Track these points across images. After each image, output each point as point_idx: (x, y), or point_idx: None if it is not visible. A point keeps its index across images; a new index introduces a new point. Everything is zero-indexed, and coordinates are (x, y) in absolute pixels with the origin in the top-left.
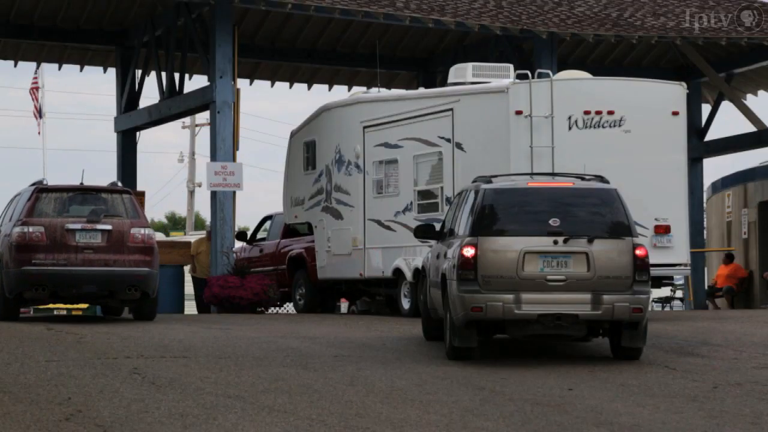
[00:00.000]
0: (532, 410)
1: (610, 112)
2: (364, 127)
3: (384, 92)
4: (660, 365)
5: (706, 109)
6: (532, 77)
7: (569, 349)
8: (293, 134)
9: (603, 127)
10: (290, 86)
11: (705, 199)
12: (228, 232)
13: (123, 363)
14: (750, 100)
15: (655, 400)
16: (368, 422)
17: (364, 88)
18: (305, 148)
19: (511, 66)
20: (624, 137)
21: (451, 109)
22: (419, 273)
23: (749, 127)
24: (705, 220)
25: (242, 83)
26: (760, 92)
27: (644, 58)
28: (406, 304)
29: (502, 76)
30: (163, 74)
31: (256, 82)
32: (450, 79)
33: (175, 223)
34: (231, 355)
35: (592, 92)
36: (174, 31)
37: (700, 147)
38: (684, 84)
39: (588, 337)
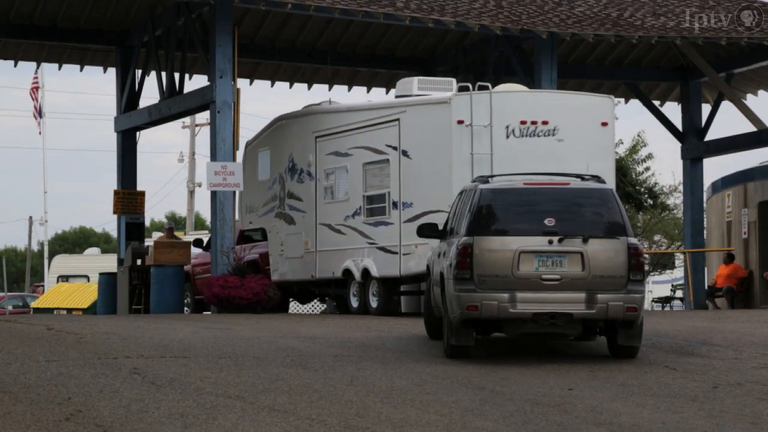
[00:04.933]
0: (532, 410)
1: (545, 123)
2: (317, 137)
3: (335, 104)
4: (660, 365)
5: (706, 109)
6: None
7: (569, 349)
8: (248, 145)
9: (538, 136)
10: (290, 86)
11: (705, 199)
12: (228, 232)
13: (123, 363)
14: (750, 100)
15: (655, 400)
16: (368, 422)
17: (364, 89)
18: (259, 158)
19: (454, 80)
20: (557, 146)
21: (398, 119)
22: (367, 273)
23: (749, 127)
24: (705, 220)
25: (242, 83)
26: (760, 92)
27: (644, 58)
28: (354, 302)
29: (445, 89)
30: (163, 74)
31: (256, 82)
32: (397, 92)
33: (175, 223)
34: (231, 355)
35: (527, 104)
36: (174, 31)
37: (700, 147)
38: (612, 96)
39: (591, 336)
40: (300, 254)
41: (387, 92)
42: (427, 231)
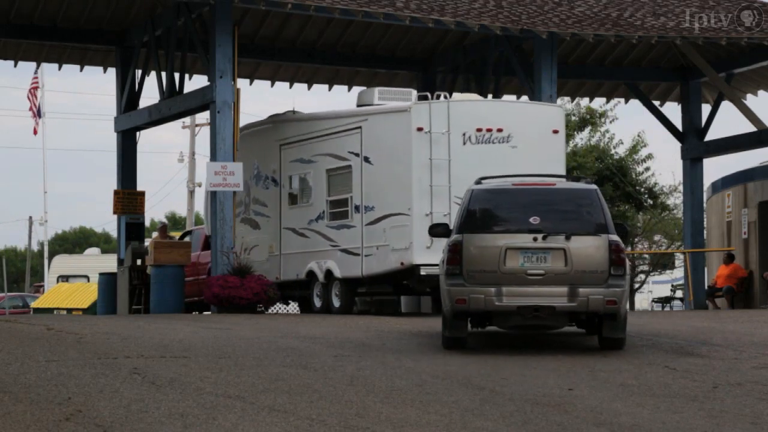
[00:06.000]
0: (532, 410)
1: (499, 130)
2: (281, 145)
3: (299, 113)
4: (660, 365)
5: (706, 109)
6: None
7: (569, 348)
8: None
9: (493, 142)
10: (290, 86)
11: (705, 199)
12: (228, 232)
13: (123, 363)
14: (750, 100)
15: (655, 400)
16: (368, 422)
17: (363, 88)
18: None
19: (414, 91)
20: (511, 152)
21: (360, 127)
22: (330, 274)
23: (749, 127)
24: (705, 220)
25: (242, 83)
26: (760, 92)
27: (644, 58)
28: (318, 302)
29: (405, 99)
30: (163, 74)
31: (256, 82)
32: (358, 102)
33: (175, 222)
34: (231, 355)
35: (483, 112)
36: (174, 31)
37: (700, 147)
38: (563, 106)
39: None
40: (265, 257)
41: None
42: (438, 230)
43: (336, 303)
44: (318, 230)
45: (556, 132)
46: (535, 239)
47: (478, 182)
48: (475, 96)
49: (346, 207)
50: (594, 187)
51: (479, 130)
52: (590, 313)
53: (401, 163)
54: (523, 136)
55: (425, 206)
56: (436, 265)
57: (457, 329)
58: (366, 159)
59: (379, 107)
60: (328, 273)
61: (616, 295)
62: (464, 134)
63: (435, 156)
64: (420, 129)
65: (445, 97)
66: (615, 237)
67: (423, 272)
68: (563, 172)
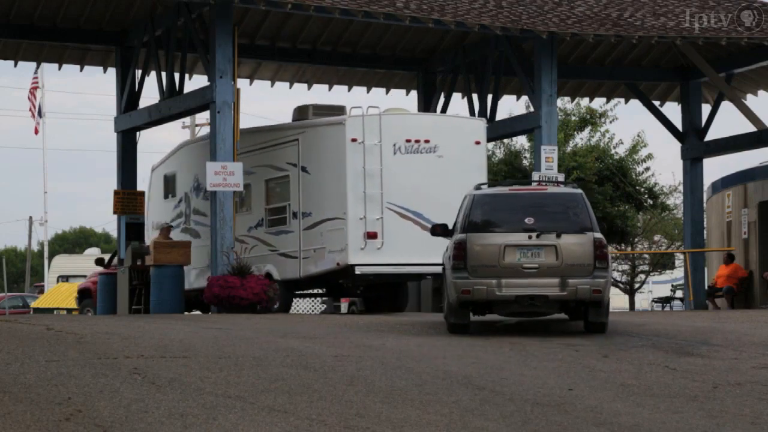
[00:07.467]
0: (532, 410)
1: (427, 141)
2: None
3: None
4: (660, 365)
5: (706, 109)
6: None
7: (569, 348)
8: (154, 169)
9: (421, 153)
10: (290, 86)
11: (705, 199)
12: (228, 232)
13: (123, 363)
14: (750, 100)
15: (655, 400)
16: (368, 422)
17: (364, 89)
18: (165, 180)
19: (346, 106)
20: (437, 161)
21: (297, 139)
22: (270, 277)
23: (749, 127)
24: (705, 220)
25: (242, 83)
26: (760, 92)
27: (644, 58)
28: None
29: (337, 113)
30: (163, 74)
31: (256, 82)
32: (294, 117)
33: None
34: (231, 355)
35: (412, 124)
36: (174, 31)
37: (700, 147)
38: (484, 119)
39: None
40: (206, 264)
41: (387, 92)
42: (439, 230)
43: (275, 304)
44: (257, 236)
45: (478, 143)
46: (530, 237)
47: (478, 188)
48: (404, 110)
49: (285, 214)
50: (580, 191)
51: (408, 141)
52: (578, 301)
53: (337, 172)
54: (448, 147)
55: (359, 211)
56: (371, 264)
57: (462, 316)
58: (303, 169)
59: (316, 120)
60: (268, 276)
61: (600, 285)
62: (395, 145)
63: (368, 165)
64: (354, 140)
65: (377, 109)
66: (599, 235)
67: (358, 271)
68: (485, 180)
